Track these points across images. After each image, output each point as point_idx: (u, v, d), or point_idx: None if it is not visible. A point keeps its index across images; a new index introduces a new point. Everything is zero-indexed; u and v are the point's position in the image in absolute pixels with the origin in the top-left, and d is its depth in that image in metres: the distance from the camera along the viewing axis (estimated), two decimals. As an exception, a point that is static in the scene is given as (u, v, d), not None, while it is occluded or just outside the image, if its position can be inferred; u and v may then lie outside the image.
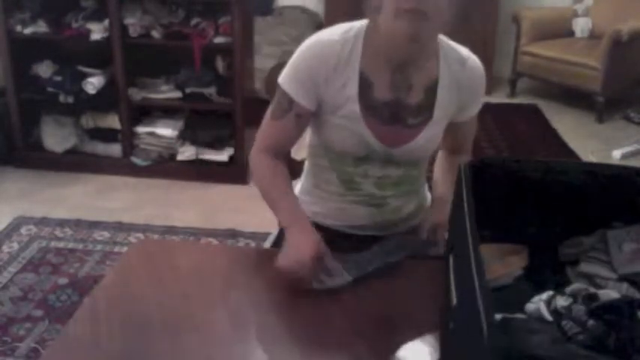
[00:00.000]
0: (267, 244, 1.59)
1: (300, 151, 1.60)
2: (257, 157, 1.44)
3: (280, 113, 1.39)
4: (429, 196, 1.63)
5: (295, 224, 1.31)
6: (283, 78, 1.38)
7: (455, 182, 1.46)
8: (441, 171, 1.59)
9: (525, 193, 1.14)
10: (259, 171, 1.44)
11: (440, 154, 1.62)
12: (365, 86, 1.35)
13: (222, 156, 3.37)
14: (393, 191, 1.48)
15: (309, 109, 1.37)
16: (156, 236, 2.85)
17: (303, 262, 1.21)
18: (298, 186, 1.60)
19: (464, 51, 1.43)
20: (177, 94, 3.34)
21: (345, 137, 1.39)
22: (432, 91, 1.38)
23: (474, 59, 1.43)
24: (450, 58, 1.39)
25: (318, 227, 1.50)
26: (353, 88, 1.35)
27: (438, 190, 1.56)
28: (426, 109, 1.38)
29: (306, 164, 1.58)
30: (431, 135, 1.41)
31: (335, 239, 1.45)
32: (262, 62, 3.67)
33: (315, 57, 1.35)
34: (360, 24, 1.37)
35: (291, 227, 1.31)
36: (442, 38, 1.40)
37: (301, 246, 1.24)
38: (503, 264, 1.13)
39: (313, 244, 1.24)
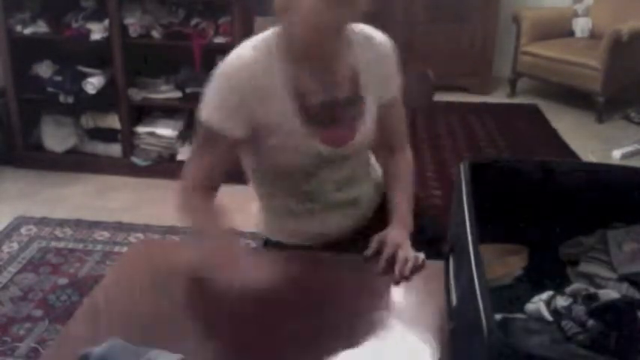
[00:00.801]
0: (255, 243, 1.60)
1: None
2: (183, 195, 1.39)
3: (205, 146, 1.33)
4: (378, 169, 1.58)
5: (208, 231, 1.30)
6: (204, 113, 1.30)
7: (409, 185, 1.46)
8: (389, 178, 1.51)
9: (525, 193, 1.14)
10: (187, 205, 1.39)
11: (381, 160, 1.55)
12: (299, 99, 1.30)
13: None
14: (351, 186, 1.45)
15: (240, 136, 1.30)
16: (156, 236, 2.85)
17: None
18: (254, 209, 1.56)
19: (365, 28, 1.40)
20: (177, 94, 3.34)
21: (291, 152, 1.33)
22: (355, 79, 1.36)
23: (376, 33, 1.41)
24: (359, 41, 1.37)
25: (278, 245, 1.50)
26: (290, 107, 1.30)
27: (392, 200, 1.46)
28: (355, 101, 1.36)
29: (255, 192, 1.53)
30: (371, 120, 1.38)
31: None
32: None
33: (236, 84, 1.28)
34: (266, 35, 1.32)
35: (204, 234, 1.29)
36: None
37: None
38: (503, 264, 1.13)
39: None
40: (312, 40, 1.26)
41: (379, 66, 1.39)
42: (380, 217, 1.48)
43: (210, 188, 1.38)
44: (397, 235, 1.33)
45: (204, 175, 1.36)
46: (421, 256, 1.29)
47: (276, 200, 1.48)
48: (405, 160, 1.52)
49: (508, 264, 1.13)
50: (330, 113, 1.34)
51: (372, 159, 1.59)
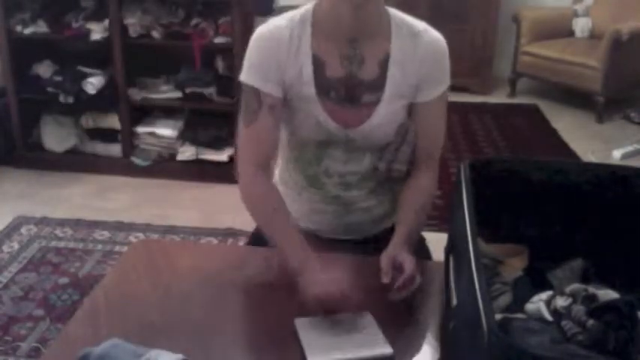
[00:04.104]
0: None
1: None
2: (247, 182, 1.36)
3: (252, 116, 1.34)
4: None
5: (307, 266, 1.20)
6: (243, 74, 1.35)
7: (420, 213, 1.36)
8: (409, 191, 1.42)
9: (525, 193, 1.14)
10: (254, 204, 1.36)
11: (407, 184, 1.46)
12: (318, 67, 1.32)
13: (222, 156, 3.37)
14: (359, 191, 1.43)
15: (277, 96, 1.33)
16: (156, 236, 2.85)
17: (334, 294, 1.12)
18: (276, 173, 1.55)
19: (419, 25, 1.36)
20: (177, 94, 3.34)
21: (303, 120, 1.36)
22: (384, 67, 1.33)
23: (430, 36, 1.35)
24: (402, 32, 1.34)
25: None
26: (308, 71, 1.32)
27: (401, 218, 1.37)
28: (379, 87, 1.33)
29: (278, 157, 1.52)
30: (386, 113, 1.34)
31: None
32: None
33: (266, 45, 1.33)
34: (306, 7, 1.35)
35: (305, 270, 1.19)
36: (395, 12, 1.36)
37: (326, 283, 1.14)
38: (504, 265, 1.13)
39: (337, 281, 1.14)
40: (334, 17, 1.29)
41: (421, 65, 1.34)
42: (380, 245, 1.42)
43: (266, 166, 1.38)
44: (409, 259, 1.21)
45: (258, 148, 1.35)
46: (419, 279, 1.20)
47: (291, 175, 1.47)
48: (426, 186, 1.42)
49: (508, 265, 1.13)
50: (349, 92, 1.33)
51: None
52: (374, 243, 1.45)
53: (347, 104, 1.34)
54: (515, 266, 1.13)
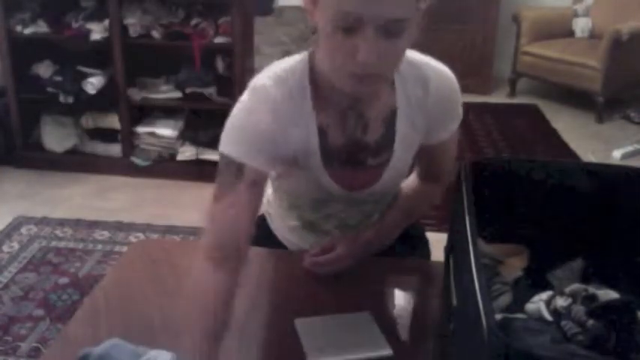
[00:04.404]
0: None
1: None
2: (200, 266, 1.10)
3: (226, 188, 1.10)
4: None
5: None
6: (225, 143, 1.12)
7: (417, 209, 1.38)
8: (409, 188, 1.40)
9: (525, 193, 1.14)
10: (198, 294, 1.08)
11: (413, 176, 1.42)
12: (322, 137, 1.18)
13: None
14: (361, 224, 1.36)
15: (264, 170, 1.13)
16: (156, 236, 2.85)
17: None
18: (265, 199, 1.47)
19: (427, 69, 1.20)
20: (177, 94, 3.34)
21: (303, 184, 1.26)
22: (391, 121, 1.20)
23: (439, 77, 1.21)
24: (409, 83, 1.19)
25: (280, 246, 1.45)
26: (314, 142, 1.17)
27: (386, 214, 1.35)
28: (386, 147, 1.21)
29: (267, 187, 1.43)
30: (394, 174, 1.26)
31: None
32: (262, 62, 3.67)
33: (265, 112, 1.12)
34: (300, 67, 1.16)
35: None
36: None
37: None
38: (503, 265, 1.13)
39: None
40: (336, 90, 1.10)
41: (431, 114, 1.22)
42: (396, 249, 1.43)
43: (228, 255, 1.10)
44: (344, 246, 1.27)
45: (223, 233, 1.12)
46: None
47: (284, 215, 1.42)
48: (431, 191, 1.40)
49: (508, 265, 1.13)
50: (352, 157, 1.21)
51: None
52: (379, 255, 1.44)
53: (351, 168, 1.23)
54: (515, 266, 1.13)
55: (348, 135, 1.19)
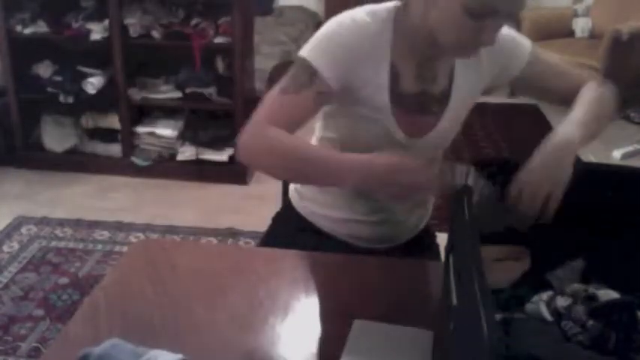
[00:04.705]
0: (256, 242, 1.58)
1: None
2: (263, 130, 1.16)
3: (296, 87, 1.18)
4: (431, 198, 1.56)
5: (361, 158, 1.10)
6: (307, 50, 1.20)
7: (599, 99, 1.35)
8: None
9: (525, 193, 1.14)
10: (275, 138, 1.15)
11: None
12: (394, 76, 1.25)
13: (222, 156, 3.37)
14: (404, 202, 1.41)
15: (332, 87, 1.19)
16: (156, 236, 2.86)
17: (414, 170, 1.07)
18: None
19: None
20: (177, 94, 3.34)
21: (366, 129, 1.28)
22: (450, 75, 1.31)
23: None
24: None
25: (314, 230, 1.47)
26: (384, 77, 1.24)
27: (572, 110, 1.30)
28: (446, 96, 1.31)
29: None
30: (450, 121, 1.33)
31: (328, 245, 1.42)
32: (262, 62, 3.67)
33: (350, 34, 1.20)
34: (387, 9, 1.25)
35: (362, 162, 1.09)
36: None
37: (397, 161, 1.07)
38: (503, 268, 1.12)
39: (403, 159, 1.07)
40: (433, 42, 1.18)
41: (482, 66, 1.31)
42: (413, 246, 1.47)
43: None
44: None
45: (287, 114, 1.18)
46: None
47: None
48: (595, 85, 1.40)
49: (508, 269, 1.13)
50: (420, 105, 1.29)
51: (432, 198, 1.54)
52: (403, 249, 1.46)
53: (418, 115, 1.30)
54: (515, 272, 1.13)
55: (420, 85, 1.28)
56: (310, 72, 1.18)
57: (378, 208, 1.41)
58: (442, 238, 1.17)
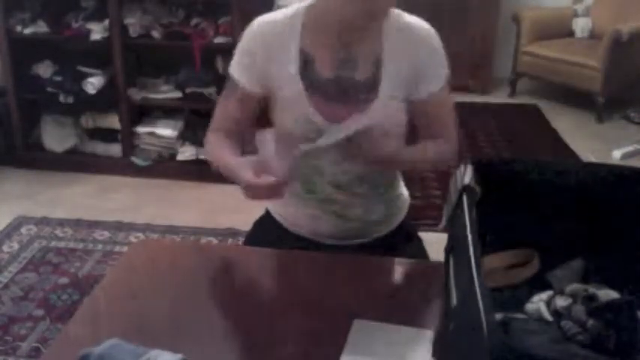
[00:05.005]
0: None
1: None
2: (207, 139, 1.46)
3: (226, 94, 1.43)
4: (404, 199, 1.55)
5: (241, 163, 1.29)
6: (231, 63, 1.40)
7: (430, 151, 1.39)
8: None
9: (525, 193, 1.14)
10: (208, 148, 1.46)
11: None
12: (306, 63, 1.33)
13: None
14: (351, 195, 1.41)
15: (251, 91, 1.38)
16: (156, 236, 2.85)
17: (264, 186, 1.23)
18: None
19: (409, 18, 1.36)
20: (177, 94, 3.34)
21: (290, 117, 1.35)
22: (377, 65, 1.33)
23: (421, 25, 1.36)
24: (393, 28, 1.33)
25: (284, 232, 1.50)
26: (293, 66, 1.33)
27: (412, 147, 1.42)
28: (374, 85, 1.33)
29: None
30: (381, 113, 1.32)
31: (297, 245, 1.44)
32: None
33: (254, 37, 1.36)
34: (301, 4, 1.35)
35: (240, 167, 1.27)
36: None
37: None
38: (508, 275, 1.12)
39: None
40: (343, 16, 1.26)
41: (417, 59, 1.34)
42: (389, 243, 1.49)
43: (226, 133, 1.43)
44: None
45: (223, 118, 1.44)
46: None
47: None
48: (440, 144, 1.42)
49: (513, 276, 1.12)
50: (342, 91, 1.33)
51: (400, 189, 1.54)
52: (371, 249, 1.46)
53: (339, 102, 1.33)
54: (520, 277, 1.12)
55: (337, 70, 1.33)
56: (233, 82, 1.40)
57: (325, 200, 1.43)
58: (442, 238, 1.16)
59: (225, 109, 1.44)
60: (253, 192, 1.25)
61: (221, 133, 1.43)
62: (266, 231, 1.54)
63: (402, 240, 1.52)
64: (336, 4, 1.26)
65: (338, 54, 1.32)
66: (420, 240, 1.57)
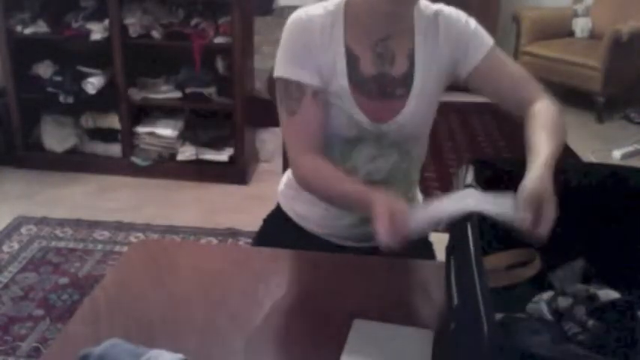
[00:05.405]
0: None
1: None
2: (299, 164, 1.32)
3: (295, 105, 1.30)
4: (419, 201, 1.54)
5: (372, 196, 1.17)
6: (279, 68, 1.32)
7: (555, 125, 1.23)
8: (529, 120, 1.29)
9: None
10: (309, 180, 1.32)
11: (520, 118, 1.36)
12: (351, 61, 1.32)
13: (222, 156, 3.37)
14: (388, 180, 1.40)
15: (317, 84, 1.30)
16: (156, 236, 2.85)
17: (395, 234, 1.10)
18: (284, 178, 1.54)
19: (435, 6, 1.37)
20: (177, 94, 3.34)
21: (334, 115, 1.33)
22: (411, 56, 1.34)
23: (447, 9, 1.37)
24: (421, 18, 1.34)
25: (299, 230, 1.48)
26: (341, 62, 1.31)
27: (531, 139, 1.21)
28: (410, 78, 1.34)
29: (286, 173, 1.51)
30: (417, 105, 1.34)
31: (313, 246, 1.42)
32: (262, 62, 3.67)
33: (301, 31, 1.30)
34: (337, 0, 1.34)
35: (372, 201, 1.15)
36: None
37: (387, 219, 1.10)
38: (509, 275, 1.12)
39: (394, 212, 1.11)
40: (370, 15, 1.28)
41: (449, 43, 1.34)
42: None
43: (317, 148, 1.31)
44: (538, 182, 1.05)
45: (307, 134, 1.31)
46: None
47: None
48: (549, 105, 1.34)
49: (515, 276, 1.12)
50: (381, 88, 1.32)
51: (417, 192, 1.53)
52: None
53: (380, 99, 1.33)
54: (522, 277, 1.12)
55: (378, 67, 1.32)
56: (294, 85, 1.30)
57: None
58: (443, 238, 1.17)
59: (303, 123, 1.30)
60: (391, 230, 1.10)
61: (310, 154, 1.30)
62: (279, 230, 1.51)
63: (415, 243, 1.49)
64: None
65: (376, 49, 1.32)
66: (430, 244, 1.56)
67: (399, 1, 1.27)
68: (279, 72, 1.32)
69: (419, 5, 1.35)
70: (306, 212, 1.47)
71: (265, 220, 1.59)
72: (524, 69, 1.43)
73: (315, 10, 1.32)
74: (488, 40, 1.39)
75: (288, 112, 1.31)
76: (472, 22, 1.39)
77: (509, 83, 1.39)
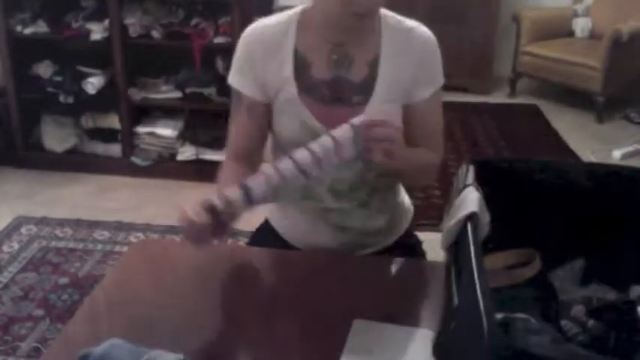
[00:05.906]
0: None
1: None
2: (220, 167, 1.38)
3: (234, 112, 1.39)
4: (406, 209, 1.52)
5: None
6: (230, 76, 1.37)
7: (420, 154, 1.32)
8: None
9: (525, 193, 1.14)
10: (218, 177, 1.37)
11: None
12: (301, 66, 1.30)
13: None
14: (350, 202, 1.38)
15: (255, 99, 1.34)
16: (156, 236, 2.85)
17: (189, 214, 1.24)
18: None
19: (410, 22, 1.35)
20: (177, 94, 3.34)
21: (287, 122, 1.33)
22: (374, 66, 1.31)
23: (422, 29, 1.34)
24: (392, 30, 1.32)
25: (286, 245, 1.47)
26: (288, 69, 1.30)
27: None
28: (370, 86, 1.30)
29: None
30: (375, 113, 1.27)
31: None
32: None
33: (248, 42, 1.33)
34: (298, 8, 1.34)
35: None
36: (385, 11, 1.33)
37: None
38: (509, 275, 1.12)
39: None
40: (328, 21, 1.27)
41: (416, 62, 1.32)
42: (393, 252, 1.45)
43: (245, 157, 1.38)
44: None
45: (235, 138, 1.40)
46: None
47: None
48: (427, 152, 1.38)
49: (515, 276, 1.12)
50: (337, 93, 1.30)
51: (401, 197, 1.51)
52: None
53: (333, 104, 1.30)
54: (521, 277, 1.12)
55: (334, 71, 1.30)
56: (236, 94, 1.37)
57: (323, 210, 1.39)
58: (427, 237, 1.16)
59: (235, 128, 1.39)
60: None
61: (237, 161, 1.38)
62: (265, 241, 1.50)
63: (403, 253, 1.45)
64: (322, 5, 1.27)
65: (332, 54, 1.30)
66: (422, 254, 1.53)
67: (358, 16, 1.23)
68: (230, 79, 1.38)
69: (387, 19, 1.33)
70: (285, 226, 1.48)
71: (255, 231, 1.59)
72: (442, 123, 1.42)
73: (267, 20, 1.35)
74: (441, 78, 1.37)
75: (231, 119, 1.40)
76: (439, 53, 1.36)
77: (422, 132, 1.37)
